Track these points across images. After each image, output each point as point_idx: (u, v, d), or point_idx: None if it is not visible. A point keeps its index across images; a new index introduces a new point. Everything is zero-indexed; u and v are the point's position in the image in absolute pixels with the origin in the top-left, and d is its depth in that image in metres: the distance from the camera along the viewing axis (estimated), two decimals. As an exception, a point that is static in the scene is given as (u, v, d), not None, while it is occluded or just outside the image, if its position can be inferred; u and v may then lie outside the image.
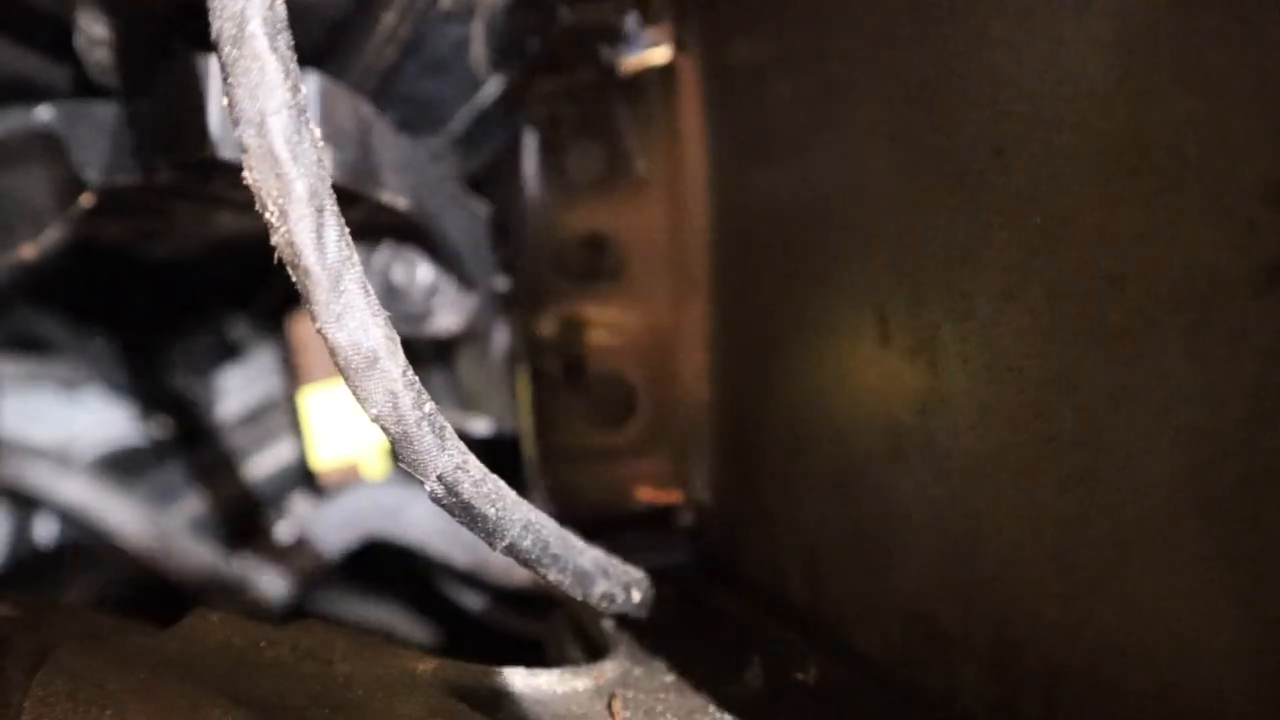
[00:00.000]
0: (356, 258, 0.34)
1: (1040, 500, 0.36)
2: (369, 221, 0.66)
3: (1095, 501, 0.33)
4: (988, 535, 0.39)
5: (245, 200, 0.63)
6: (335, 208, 0.33)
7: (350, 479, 0.80)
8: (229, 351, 1.01)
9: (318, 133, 0.33)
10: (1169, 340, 0.31)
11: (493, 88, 0.68)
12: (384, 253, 0.70)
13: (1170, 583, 0.31)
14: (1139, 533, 0.32)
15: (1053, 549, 0.35)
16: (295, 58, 0.33)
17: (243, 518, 0.91)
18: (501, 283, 0.73)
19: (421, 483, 0.37)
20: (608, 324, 0.68)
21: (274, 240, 0.33)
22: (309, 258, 0.32)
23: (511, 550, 0.39)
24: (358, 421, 0.80)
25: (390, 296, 0.70)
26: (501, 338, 0.77)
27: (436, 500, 0.37)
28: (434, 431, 0.36)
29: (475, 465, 0.38)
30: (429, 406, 0.36)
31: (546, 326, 0.69)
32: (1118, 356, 0.32)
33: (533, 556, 0.40)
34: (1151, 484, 0.31)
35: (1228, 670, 0.30)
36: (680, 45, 0.65)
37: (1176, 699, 0.31)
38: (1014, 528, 0.37)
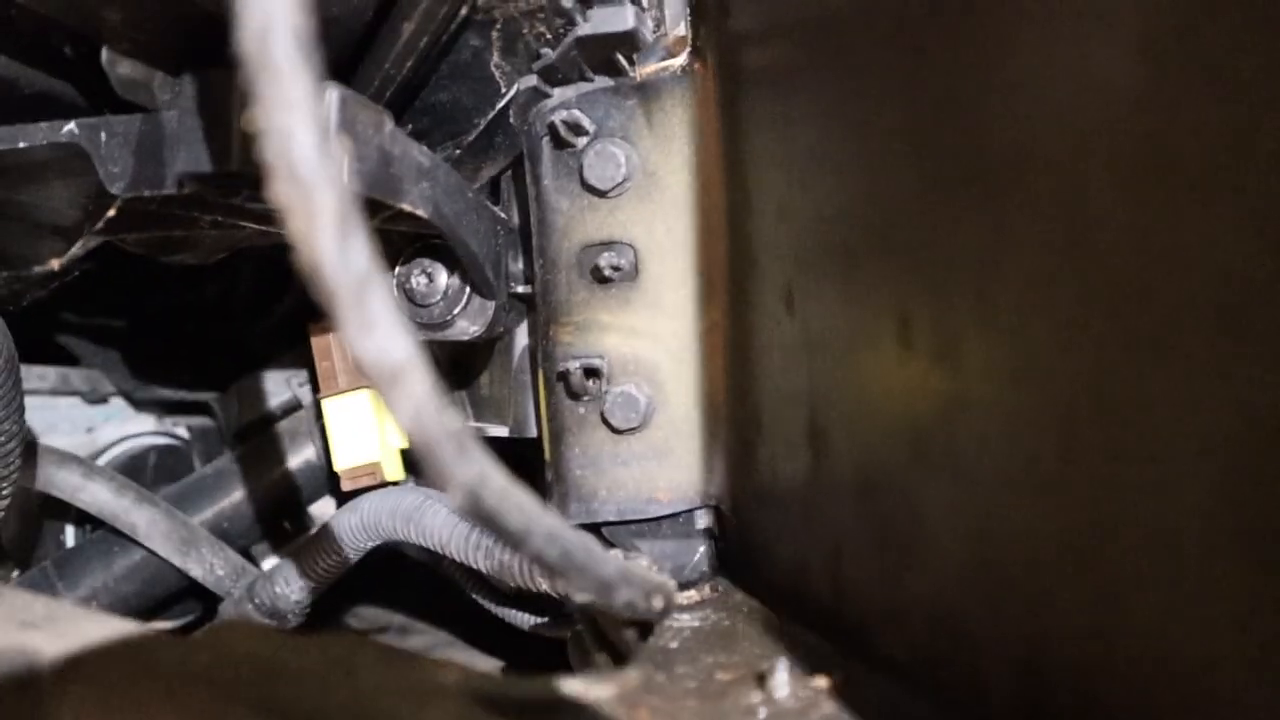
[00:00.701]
0: (380, 271, 0.34)
1: (1068, 508, 0.36)
2: (389, 229, 0.66)
3: (1125, 511, 0.33)
4: (1014, 541, 0.38)
5: (268, 213, 0.64)
6: (359, 222, 0.34)
7: (372, 481, 0.80)
8: (251, 357, 1.02)
9: (341, 147, 0.33)
10: (1200, 350, 0.31)
11: (510, 95, 0.68)
12: (403, 261, 0.71)
13: (1204, 593, 0.31)
14: (1172, 542, 0.32)
15: (1082, 557, 0.35)
16: (320, 72, 0.34)
17: (264, 520, 0.92)
18: (520, 289, 0.73)
19: (446, 495, 0.37)
20: (627, 329, 0.68)
21: (297, 256, 0.34)
22: (333, 274, 0.32)
23: (535, 560, 0.40)
24: (379, 426, 0.81)
25: (410, 304, 0.70)
26: (521, 343, 0.77)
27: (460, 512, 0.37)
28: (457, 443, 0.36)
29: (498, 476, 0.38)
30: (452, 418, 0.36)
31: (565, 332, 0.69)
32: (1148, 366, 0.32)
33: (556, 566, 0.40)
34: (1184, 493, 0.31)
35: (1265, 680, 0.30)
36: (696, 52, 0.66)
37: (1211, 708, 0.31)
38: (1041, 535, 0.37)
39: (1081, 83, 0.33)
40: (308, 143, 0.32)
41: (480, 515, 0.38)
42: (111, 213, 0.57)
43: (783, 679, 0.44)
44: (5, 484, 0.69)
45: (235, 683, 0.38)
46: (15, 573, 0.88)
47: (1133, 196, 0.32)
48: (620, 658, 0.51)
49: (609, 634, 0.54)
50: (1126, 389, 0.33)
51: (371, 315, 0.33)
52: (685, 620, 0.56)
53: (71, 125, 0.54)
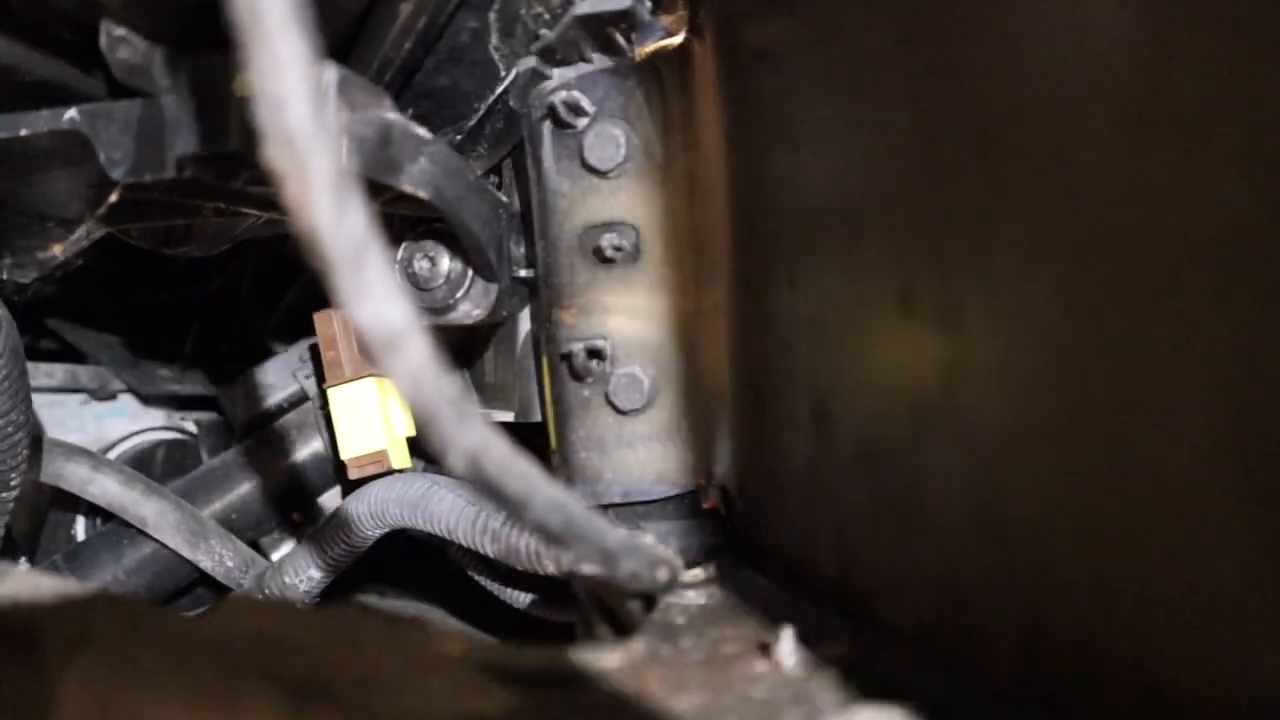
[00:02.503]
0: (377, 237, 0.34)
1: (1070, 465, 0.35)
2: (390, 213, 0.66)
3: (1128, 464, 0.33)
4: (1017, 502, 0.38)
5: (268, 197, 0.64)
6: (355, 187, 0.34)
7: (379, 470, 0.80)
8: (257, 350, 1.02)
9: (337, 115, 0.33)
10: (1200, 295, 0.30)
11: (510, 78, 0.68)
12: (406, 244, 0.71)
13: (1208, 544, 0.31)
14: (1174, 494, 0.31)
15: (1085, 514, 0.35)
16: (314, 42, 0.34)
17: (273, 512, 0.92)
18: (523, 272, 0.73)
19: (447, 461, 0.37)
20: (629, 310, 0.68)
21: (295, 222, 0.34)
22: (330, 237, 0.32)
23: (538, 529, 0.40)
24: (385, 414, 0.81)
25: (413, 288, 0.70)
26: (524, 327, 0.77)
27: (462, 478, 0.37)
28: (457, 410, 0.36)
29: (499, 443, 0.38)
30: (451, 385, 0.36)
31: (567, 314, 0.69)
32: (1148, 314, 0.32)
33: (559, 535, 0.40)
34: (1186, 443, 0.31)
35: (1268, 631, 0.30)
36: (694, 29, 0.65)
37: (1215, 661, 0.31)
38: (1044, 494, 0.37)
39: (1073, 28, 0.33)
40: (302, 106, 0.32)
41: (481, 482, 0.38)
42: (113, 199, 0.57)
43: (789, 649, 0.44)
44: (14, 475, 0.69)
45: (241, 653, 0.38)
46: (25, 566, 0.89)
47: (1128, 142, 0.32)
48: (625, 633, 0.51)
49: (614, 609, 0.54)
50: (1127, 340, 0.33)
51: (368, 279, 0.33)
52: (691, 597, 0.56)
53: (72, 112, 0.55)
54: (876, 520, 0.48)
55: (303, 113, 0.32)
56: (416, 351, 0.35)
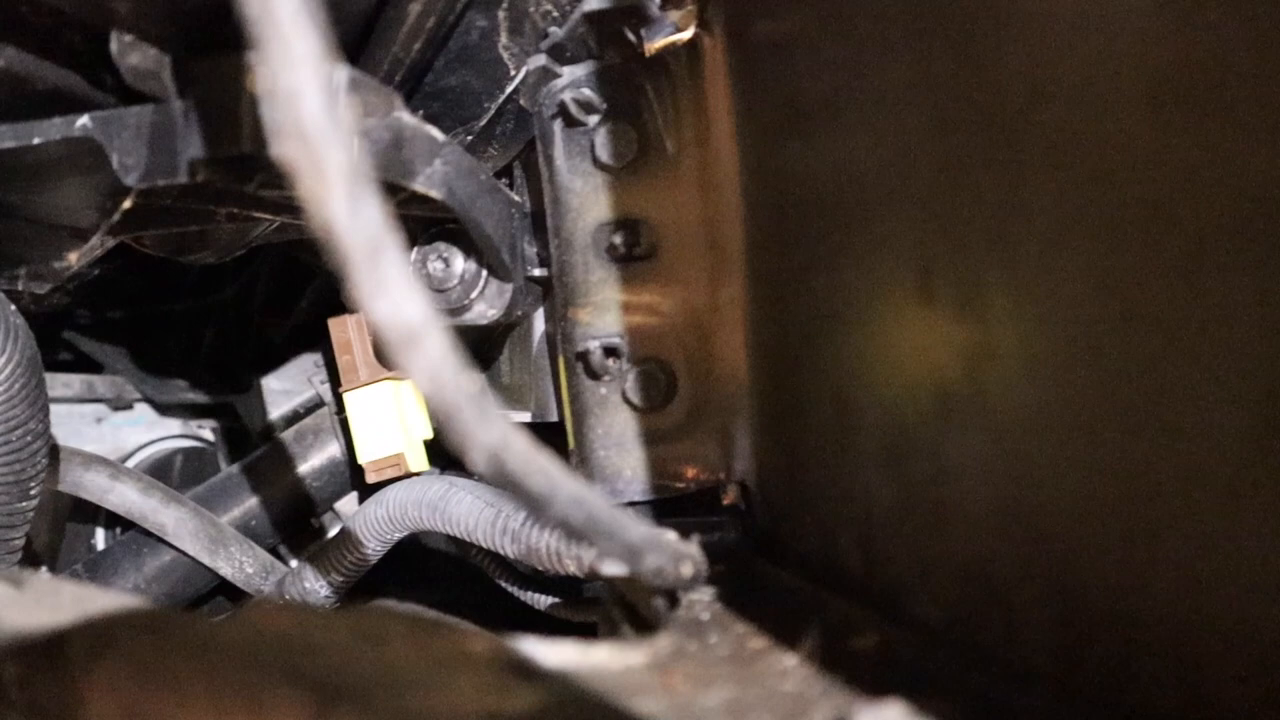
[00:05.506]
0: (392, 233, 0.34)
1: (1100, 446, 0.35)
2: (403, 214, 0.66)
3: (1159, 442, 0.32)
4: (1046, 487, 0.38)
5: (281, 201, 0.64)
6: (370, 184, 0.33)
7: (396, 473, 0.80)
8: (272, 356, 1.02)
9: (350, 109, 0.33)
10: (1229, 271, 0.30)
11: (520, 77, 0.68)
12: (419, 245, 0.71)
13: (1242, 518, 0.30)
14: (1207, 469, 0.31)
15: (1116, 494, 0.34)
16: (326, 39, 0.34)
17: (291, 517, 0.92)
18: (537, 271, 0.73)
19: (467, 458, 0.37)
20: (644, 306, 0.67)
21: (310, 220, 0.34)
22: (346, 231, 0.32)
23: (560, 524, 0.39)
24: (401, 417, 0.81)
25: (428, 288, 0.70)
26: (539, 327, 0.77)
27: (483, 475, 0.37)
28: (476, 405, 0.36)
29: (519, 439, 0.38)
30: (470, 381, 0.36)
31: (582, 312, 0.69)
32: (1176, 292, 0.31)
33: (582, 530, 0.40)
34: (1218, 419, 0.30)
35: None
36: (703, 23, 0.65)
37: (1254, 634, 0.30)
38: (1074, 477, 0.36)
39: (1093, 6, 0.32)
40: (316, 101, 0.32)
41: (502, 480, 0.37)
42: (126, 206, 0.57)
43: (816, 643, 0.44)
44: (33, 484, 0.69)
45: (265, 656, 0.38)
46: (46, 574, 0.89)
47: (1151, 120, 0.31)
48: (649, 630, 0.50)
49: (638, 607, 0.54)
50: (1155, 320, 0.32)
51: (385, 274, 0.33)
52: (714, 592, 0.55)
53: (85, 119, 0.55)
54: (902, 511, 0.48)
55: (317, 107, 0.32)
56: (435, 348, 0.35)
